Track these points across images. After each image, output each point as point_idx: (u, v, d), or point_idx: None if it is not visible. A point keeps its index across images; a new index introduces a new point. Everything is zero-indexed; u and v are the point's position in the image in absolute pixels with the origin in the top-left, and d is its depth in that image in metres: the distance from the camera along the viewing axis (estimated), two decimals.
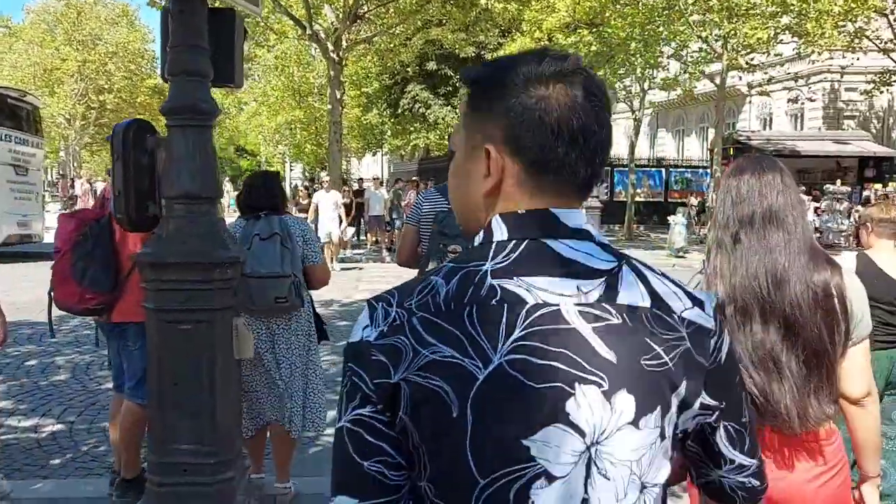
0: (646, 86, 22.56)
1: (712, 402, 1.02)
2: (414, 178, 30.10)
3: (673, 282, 1.02)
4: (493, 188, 0.99)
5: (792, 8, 16.37)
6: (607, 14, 18.77)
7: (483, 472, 0.90)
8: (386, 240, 18.20)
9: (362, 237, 20.19)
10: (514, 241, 0.96)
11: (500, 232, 0.97)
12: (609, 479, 0.92)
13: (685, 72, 20.90)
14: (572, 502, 0.91)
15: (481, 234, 1.00)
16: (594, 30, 19.27)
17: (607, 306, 0.93)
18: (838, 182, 20.27)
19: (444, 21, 27.78)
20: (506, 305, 0.91)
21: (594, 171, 0.98)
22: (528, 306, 0.92)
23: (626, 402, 0.92)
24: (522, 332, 0.90)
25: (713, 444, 1.06)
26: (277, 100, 30.38)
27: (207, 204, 2.94)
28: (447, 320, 0.92)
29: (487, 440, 0.90)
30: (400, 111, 31.62)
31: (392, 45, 27.72)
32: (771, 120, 32.11)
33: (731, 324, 1.87)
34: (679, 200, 24.82)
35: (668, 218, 18.26)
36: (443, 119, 29.09)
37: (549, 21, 21.84)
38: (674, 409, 0.97)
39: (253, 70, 27.29)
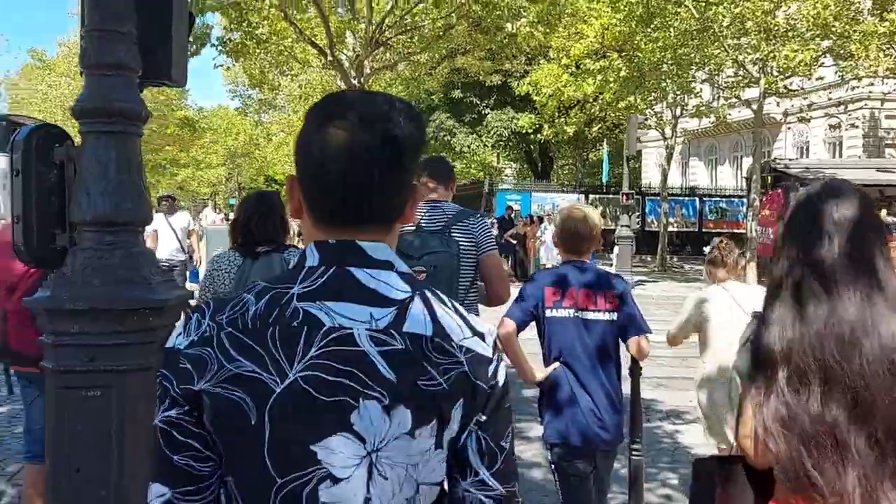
0: (678, 112, 21.79)
1: (483, 418, 1.14)
2: None
3: (459, 314, 1.16)
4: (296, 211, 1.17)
5: (833, 30, 15.56)
6: (637, 39, 18.09)
7: (280, 473, 1.04)
8: None
9: None
10: (322, 268, 1.10)
11: (312, 258, 1.12)
12: (387, 479, 1.07)
13: (720, 97, 20.12)
14: (356, 500, 1.05)
15: (295, 258, 1.27)
16: (624, 54, 18.58)
17: (394, 332, 1.08)
18: (883, 212, 19.23)
19: (469, 49, 27.45)
20: (306, 328, 1.06)
21: (374, 207, 1.12)
22: (325, 328, 1.06)
23: (403, 415, 1.06)
24: (318, 352, 1.05)
25: (464, 449, 1.14)
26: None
27: (126, 233, 2.28)
28: (252, 338, 1.06)
29: (282, 445, 1.04)
30: (425, 140, 31.20)
31: (417, 74, 27.39)
32: (808, 148, 31.10)
33: (778, 387, 1.51)
34: (714, 230, 23.86)
35: (705, 249, 17.36)
36: (468, 147, 28.55)
37: (577, 47, 21.27)
38: (454, 424, 1.10)
39: (279, 100, 27.08)
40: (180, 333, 1.09)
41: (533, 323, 3.27)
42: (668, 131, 22.86)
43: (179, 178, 57.22)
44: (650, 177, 37.17)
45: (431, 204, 3.32)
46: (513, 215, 19.84)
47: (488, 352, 1.15)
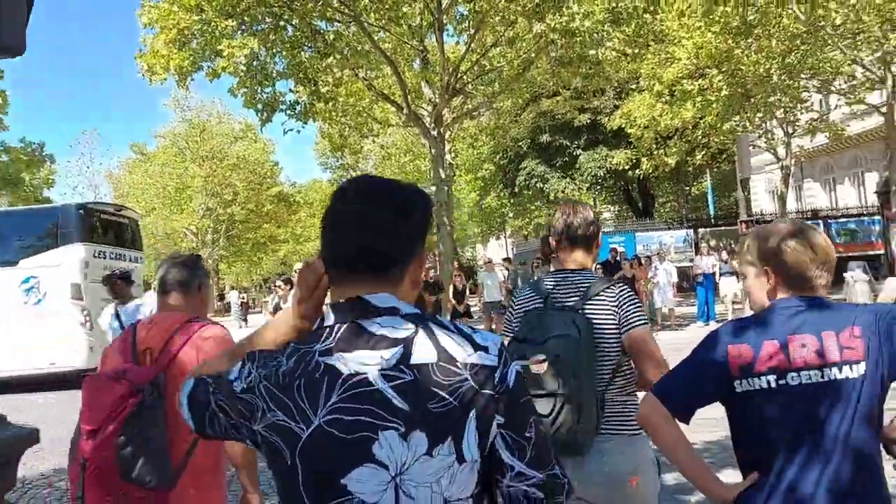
0: (789, 129, 19.72)
1: (501, 420, 1.26)
2: (538, 256, 28.21)
3: (463, 335, 1.30)
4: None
5: None
6: (738, 51, 16.45)
7: None
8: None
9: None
10: (336, 325, 1.29)
11: (329, 318, 1.31)
12: (413, 499, 1.20)
13: (837, 107, 18.02)
14: None
15: (319, 319, 1.36)
16: (724, 71, 16.89)
17: (403, 367, 1.23)
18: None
19: (554, 90, 26.33)
20: (327, 378, 1.24)
21: (369, 259, 1.31)
22: (343, 376, 1.24)
23: (419, 439, 1.21)
24: (338, 397, 1.22)
25: (496, 452, 1.26)
26: None
27: None
28: (282, 391, 1.25)
29: (315, 481, 1.23)
30: (517, 189, 29.94)
31: (501, 122, 26.43)
32: None
33: None
34: (846, 255, 21.32)
35: (844, 275, 15.18)
36: (562, 192, 27.13)
37: (670, 72, 19.73)
38: (471, 435, 1.23)
39: (361, 163, 26.68)
40: (236, 377, 1.32)
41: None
42: (781, 151, 20.79)
43: (281, 253, 58.33)
44: (760, 204, 34.55)
45: (564, 273, 2.71)
46: (618, 258, 18.20)
47: (492, 360, 1.28)
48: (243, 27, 12.81)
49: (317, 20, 14.36)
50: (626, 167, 25.11)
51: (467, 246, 51.10)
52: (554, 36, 13.75)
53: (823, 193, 35.10)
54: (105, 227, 14.68)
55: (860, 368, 1.82)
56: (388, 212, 1.31)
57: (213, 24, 12.12)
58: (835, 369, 1.84)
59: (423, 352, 1.24)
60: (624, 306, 2.57)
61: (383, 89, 17.82)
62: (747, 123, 17.77)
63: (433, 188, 17.01)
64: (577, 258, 2.73)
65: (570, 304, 2.58)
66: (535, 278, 3.74)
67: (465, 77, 16.85)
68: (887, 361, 1.83)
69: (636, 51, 16.33)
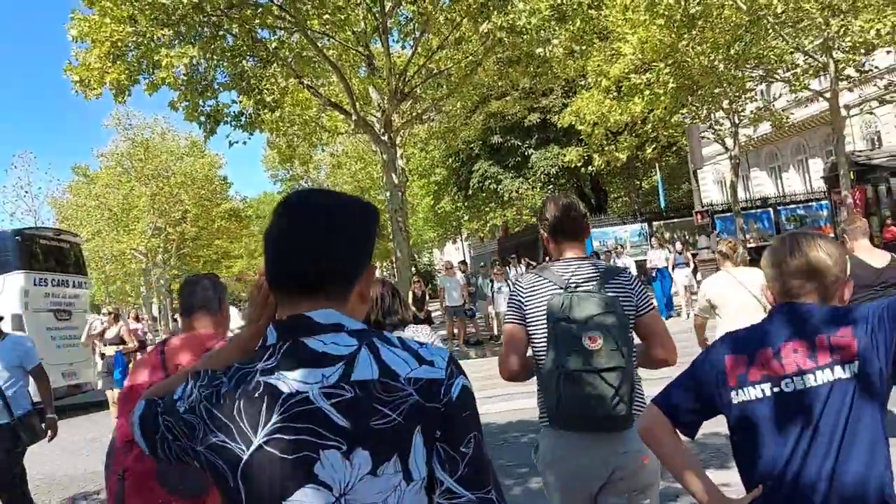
0: (735, 119, 19.93)
1: (439, 433, 1.22)
2: (494, 258, 28.06)
3: (408, 350, 1.27)
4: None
5: None
6: (682, 44, 16.52)
7: None
8: (467, 330, 16.01)
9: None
10: (279, 343, 1.25)
11: (271, 336, 1.27)
12: None
13: (782, 95, 18.25)
14: None
15: (260, 339, 1.31)
16: (671, 63, 16.95)
17: (343, 385, 1.20)
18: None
19: (503, 91, 26.24)
20: (266, 397, 1.20)
21: (310, 275, 1.27)
22: (283, 395, 1.20)
23: (363, 457, 1.17)
24: (279, 416, 1.18)
25: (432, 467, 1.21)
26: None
27: None
28: (221, 411, 1.22)
29: (258, 502, 1.19)
30: (471, 191, 29.79)
31: (452, 125, 26.25)
32: (879, 138, 28.68)
33: None
34: None
35: None
36: (516, 191, 27.06)
37: (617, 67, 19.78)
38: (418, 451, 1.19)
39: (312, 173, 26.18)
40: (180, 396, 1.29)
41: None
42: (728, 142, 21.02)
43: (235, 269, 57.12)
44: (710, 195, 35.07)
45: (568, 261, 2.79)
46: None
47: (438, 374, 1.24)
48: (181, 36, 12.32)
49: (257, 28, 13.96)
50: (579, 164, 25.16)
51: (424, 251, 50.76)
52: (500, 34, 13.59)
53: (769, 181, 35.80)
54: (45, 252, 14.04)
55: (854, 368, 1.82)
56: (332, 226, 1.27)
57: (148, 34, 11.62)
58: (827, 371, 1.84)
59: (364, 369, 1.21)
60: (637, 291, 2.74)
61: (330, 96, 17.46)
62: (695, 116, 17.87)
63: (387, 194, 16.72)
64: (576, 248, 2.81)
65: (589, 288, 2.64)
66: (522, 271, 3.78)
67: (412, 81, 16.61)
68: (883, 354, 1.81)
69: (582, 48, 16.26)
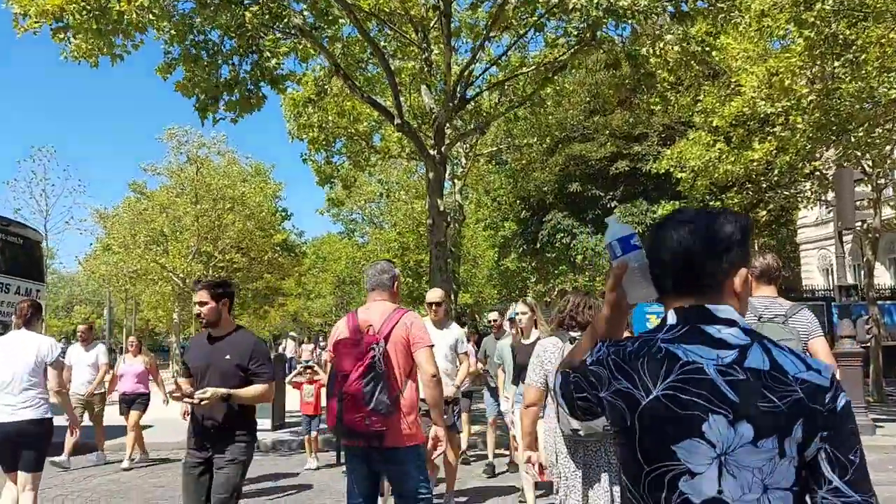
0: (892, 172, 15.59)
1: (825, 434, 1.43)
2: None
3: (796, 356, 1.52)
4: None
5: None
6: (830, 70, 12.60)
7: (647, 463, 1.51)
8: None
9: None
10: (679, 325, 1.57)
11: (672, 318, 1.59)
12: (735, 479, 1.42)
13: None
14: (709, 492, 1.43)
15: (660, 321, 1.62)
16: (818, 88, 12.91)
17: (736, 367, 1.47)
18: None
19: (590, 135, 22.54)
20: (667, 360, 1.52)
21: (708, 279, 1.57)
22: (681, 361, 1.50)
23: (746, 428, 1.42)
24: (676, 377, 1.49)
25: (817, 464, 1.44)
26: (397, 238, 25.59)
27: None
28: (628, 364, 1.57)
29: (648, 442, 1.51)
30: (539, 245, 25.78)
31: (523, 162, 22.61)
32: None
33: None
34: None
35: None
36: (591, 250, 23.02)
37: (733, 106, 15.80)
38: (796, 436, 1.43)
39: (365, 209, 22.82)
40: (591, 355, 1.68)
41: None
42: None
43: (291, 308, 54.22)
44: (813, 282, 30.26)
45: (760, 299, 4.17)
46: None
47: (824, 382, 1.47)
48: None
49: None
50: None
51: (485, 311, 46.66)
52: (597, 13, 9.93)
53: (888, 274, 30.58)
54: None
55: None
56: (718, 239, 1.58)
57: None
58: None
59: (756, 359, 1.48)
60: (811, 323, 4.13)
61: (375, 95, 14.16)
62: (843, 158, 13.66)
63: (429, 222, 13.11)
64: (769, 290, 4.28)
65: (776, 320, 4.00)
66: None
67: (472, 89, 13.15)
68: None
69: (688, 83, 12.42)
